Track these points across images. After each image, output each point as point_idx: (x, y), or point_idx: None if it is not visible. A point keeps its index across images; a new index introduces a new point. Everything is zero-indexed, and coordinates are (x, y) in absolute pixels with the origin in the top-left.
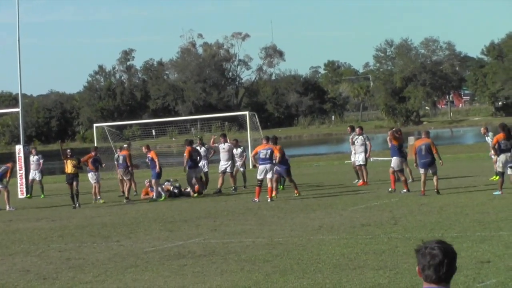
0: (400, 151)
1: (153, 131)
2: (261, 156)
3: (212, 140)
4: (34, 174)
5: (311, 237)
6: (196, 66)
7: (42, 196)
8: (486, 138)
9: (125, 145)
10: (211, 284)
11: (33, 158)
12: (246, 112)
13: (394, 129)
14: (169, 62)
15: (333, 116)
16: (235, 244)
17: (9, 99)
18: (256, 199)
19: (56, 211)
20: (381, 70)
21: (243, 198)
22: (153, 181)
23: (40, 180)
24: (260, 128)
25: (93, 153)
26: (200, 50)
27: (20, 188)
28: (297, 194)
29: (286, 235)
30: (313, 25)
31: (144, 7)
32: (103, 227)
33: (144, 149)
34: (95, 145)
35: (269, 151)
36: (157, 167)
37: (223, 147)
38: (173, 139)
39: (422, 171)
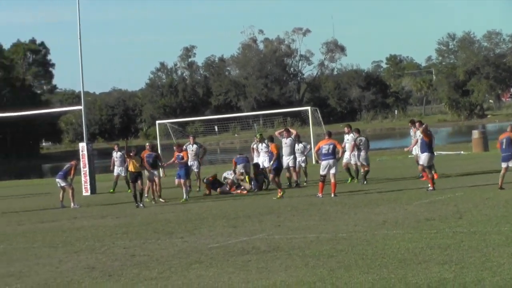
0: (430, 147)
1: (216, 127)
2: (324, 151)
3: (278, 132)
4: (120, 170)
5: (376, 232)
6: (258, 62)
7: (111, 191)
8: None
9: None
10: (276, 279)
11: (116, 155)
12: (308, 107)
13: (425, 125)
14: (230, 58)
15: (396, 111)
16: (299, 239)
17: (72, 97)
18: (320, 195)
19: (121, 208)
20: (443, 63)
21: (306, 194)
22: (182, 181)
23: (125, 176)
24: (322, 123)
25: (147, 151)
26: (261, 46)
27: (84, 185)
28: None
29: (350, 230)
30: (375, 19)
31: (204, 4)
32: (167, 223)
33: (177, 148)
34: (158, 142)
35: (331, 146)
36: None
37: (285, 141)
38: (236, 135)
39: (503, 165)
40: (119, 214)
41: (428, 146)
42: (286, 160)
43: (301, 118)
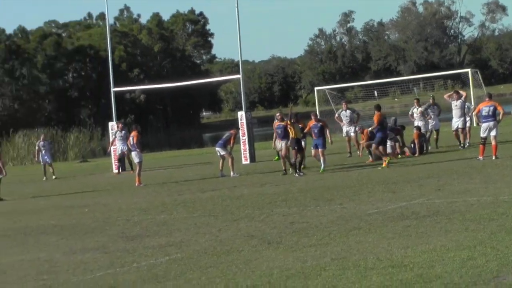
0: None
1: (375, 92)
2: (484, 113)
3: (448, 95)
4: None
5: None
6: (417, 25)
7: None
8: None
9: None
10: (436, 244)
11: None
12: (469, 70)
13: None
14: (389, 22)
15: None
16: (460, 203)
17: (232, 66)
18: (481, 157)
19: (280, 176)
20: None
21: (467, 157)
22: (320, 150)
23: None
24: (483, 85)
25: (313, 121)
26: (421, 9)
27: (243, 154)
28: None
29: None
30: None
31: None
32: (326, 190)
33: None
34: (317, 108)
35: (491, 108)
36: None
37: (456, 104)
38: (396, 99)
39: None
40: (278, 182)
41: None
42: (456, 122)
43: (461, 81)
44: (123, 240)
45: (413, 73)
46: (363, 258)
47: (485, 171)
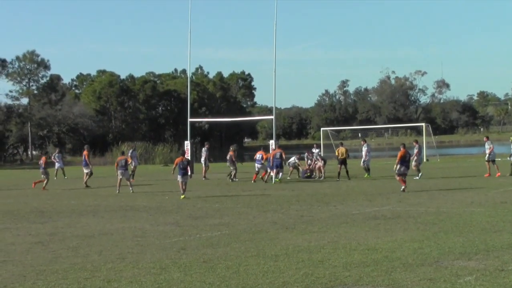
0: None
1: (359, 134)
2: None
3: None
4: None
5: (465, 209)
6: (390, 92)
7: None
8: None
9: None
10: (397, 237)
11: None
12: (423, 124)
13: None
14: (371, 89)
15: (481, 128)
16: (413, 211)
17: (266, 110)
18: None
19: (293, 184)
20: None
21: (419, 182)
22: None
23: None
24: (432, 134)
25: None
26: (393, 81)
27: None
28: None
29: (448, 206)
30: (472, 63)
31: None
32: (325, 196)
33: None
34: (321, 143)
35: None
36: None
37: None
38: (372, 140)
39: None
40: (293, 188)
41: None
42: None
43: (417, 131)
44: (190, 219)
45: (385, 123)
46: (348, 242)
47: (431, 191)
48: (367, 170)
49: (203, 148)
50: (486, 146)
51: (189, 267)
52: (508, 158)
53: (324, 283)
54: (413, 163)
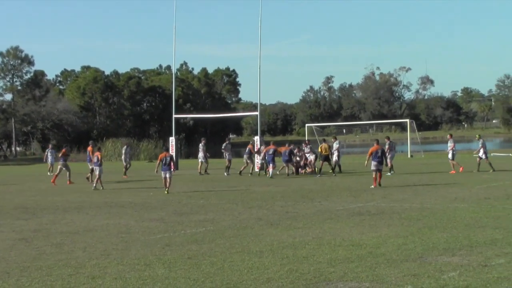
0: None
1: (344, 130)
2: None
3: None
4: None
5: (449, 205)
6: (374, 88)
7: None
8: None
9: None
10: (381, 233)
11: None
12: (407, 120)
13: None
14: (356, 85)
15: (465, 125)
16: (398, 207)
17: (251, 106)
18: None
19: (279, 179)
20: (500, 94)
21: (401, 178)
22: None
23: None
24: (416, 130)
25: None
26: (378, 78)
27: (257, 164)
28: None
29: (432, 202)
30: (456, 59)
31: None
32: (310, 192)
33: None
34: (306, 138)
35: (379, 151)
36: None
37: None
38: (357, 136)
39: None
40: (279, 184)
41: None
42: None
43: (401, 127)
44: (175, 215)
45: (369, 120)
46: (333, 238)
47: (415, 187)
48: (339, 166)
49: (200, 144)
50: (449, 144)
51: (173, 264)
52: (474, 155)
53: (308, 279)
54: (388, 160)
